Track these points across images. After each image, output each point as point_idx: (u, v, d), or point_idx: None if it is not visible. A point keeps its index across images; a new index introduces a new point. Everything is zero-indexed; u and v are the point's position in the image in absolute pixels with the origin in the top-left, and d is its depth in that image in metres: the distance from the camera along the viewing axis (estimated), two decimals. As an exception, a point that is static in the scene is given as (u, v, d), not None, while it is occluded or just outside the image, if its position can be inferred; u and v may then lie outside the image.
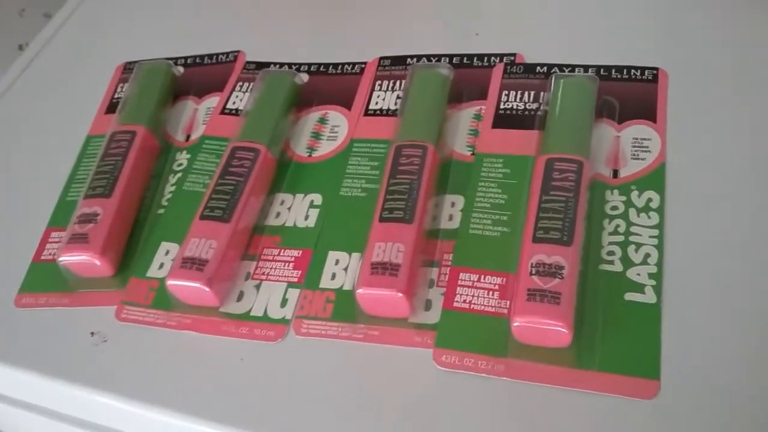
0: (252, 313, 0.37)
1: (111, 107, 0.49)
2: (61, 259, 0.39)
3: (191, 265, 0.37)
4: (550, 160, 0.36)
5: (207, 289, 0.36)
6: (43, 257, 0.42)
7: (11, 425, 0.51)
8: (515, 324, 0.32)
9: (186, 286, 0.37)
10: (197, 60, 0.51)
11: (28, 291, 0.41)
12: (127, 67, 0.52)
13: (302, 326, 0.36)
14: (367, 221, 0.38)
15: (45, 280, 0.41)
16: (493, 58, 0.45)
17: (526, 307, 0.31)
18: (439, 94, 0.42)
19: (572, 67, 0.43)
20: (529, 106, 0.41)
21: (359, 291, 0.34)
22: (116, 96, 0.50)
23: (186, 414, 0.35)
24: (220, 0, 0.56)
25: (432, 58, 0.46)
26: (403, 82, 0.45)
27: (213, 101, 0.48)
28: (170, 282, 0.37)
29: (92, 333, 0.38)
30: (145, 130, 0.44)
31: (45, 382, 0.38)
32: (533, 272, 0.32)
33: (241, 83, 0.48)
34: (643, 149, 0.38)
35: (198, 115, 0.47)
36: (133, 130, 0.44)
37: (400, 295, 0.34)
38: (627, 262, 0.34)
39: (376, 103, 0.45)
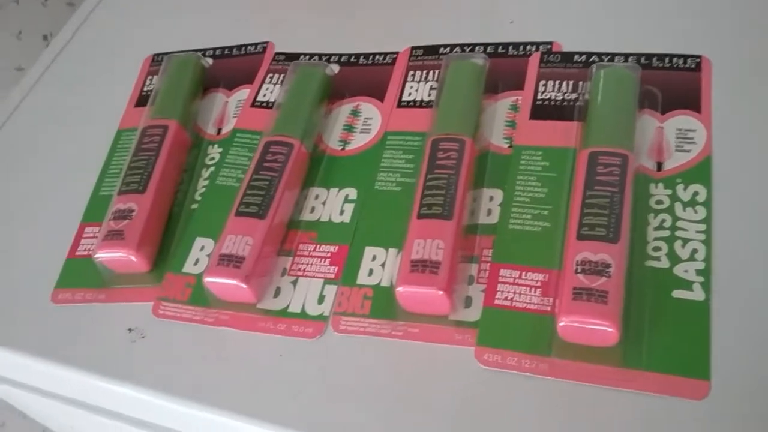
0: (289, 310, 0.37)
1: (141, 100, 0.49)
2: (97, 255, 0.39)
3: (228, 262, 0.36)
4: (593, 154, 0.35)
5: (244, 286, 0.36)
6: (78, 253, 0.42)
7: (48, 417, 0.52)
8: (561, 324, 0.31)
9: (223, 284, 0.36)
10: (225, 51, 0.50)
11: (65, 287, 0.41)
12: (155, 59, 0.51)
13: (341, 323, 0.36)
14: (403, 216, 0.37)
15: (81, 275, 0.41)
16: (528, 46, 0.44)
17: (572, 306, 0.31)
18: (474, 85, 0.41)
19: (611, 56, 0.41)
20: (568, 96, 0.40)
21: (399, 289, 0.34)
22: (145, 89, 0.50)
23: (226, 410, 0.35)
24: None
25: (465, 48, 0.45)
26: (436, 72, 0.44)
27: (243, 93, 0.47)
28: (207, 279, 0.36)
29: (130, 329, 0.38)
30: (176, 124, 0.44)
31: (84, 378, 0.38)
32: (579, 270, 0.31)
33: (271, 75, 0.48)
34: (688, 141, 0.37)
35: (229, 108, 0.47)
36: (164, 124, 0.43)
37: (441, 293, 0.33)
38: (674, 258, 0.34)
39: (410, 95, 0.44)
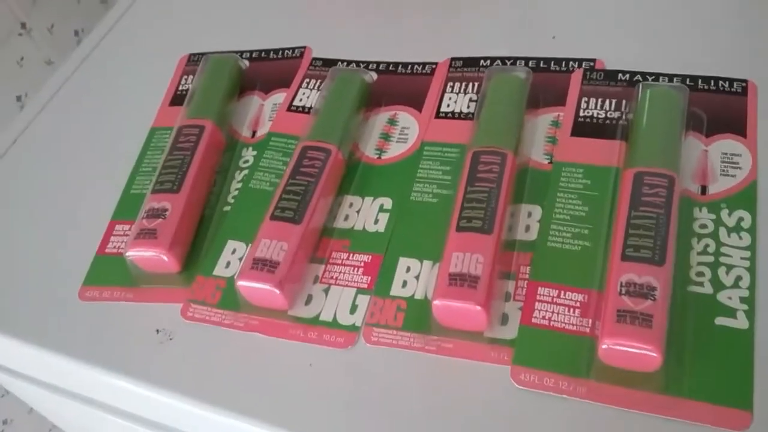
0: (321, 318, 0.36)
1: (175, 99, 0.49)
2: (128, 253, 0.39)
3: (262, 266, 0.36)
4: (639, 174, 0.34)
5: (278, 291, 0.35)
6: (107, 250, 0.42)
7: (59, 415, 0.51)
8: (604, 346, 0.30)
9: (256, 288, 0.36)
10: (262, 54, 0.50)
11: (93, 284, 0.41)
12: (192, 59, 0.51)
13: (373, 334, 0.35)
14: (439, 228, 0.37)
15: (109, 273, 0.41)
16: (571, 63, 0.43)
17: (616, 329, 0.30)
18: (517, 99, 0.40)
19: (656, 76, 0.41)
20: (611, 114, 0.40)
21: (436, 302, 0.33)
22: (180, 88, 0.49)
23: (253, 418, 0.34)
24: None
25: (506, 61, 0.44)
26: (476, 84, 0.44)
27: (279, 97, 0.47)
28: (240, 283, 0.36)
29: (158, 330, 0.38)
30: (212, 125, 0.43)
31: (108, 378, 0.37)
32: (623, 292, 0.31)
33: (308, 80, 0.47)
34: (733, 165, 0.37)
35: (264, 111, 0.47)
36: (201, 124, 0.43)
37: (479, 308, 0.33)
38: (717, 285, 0.33)
39: (448, 106, 0.43)
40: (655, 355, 0.29)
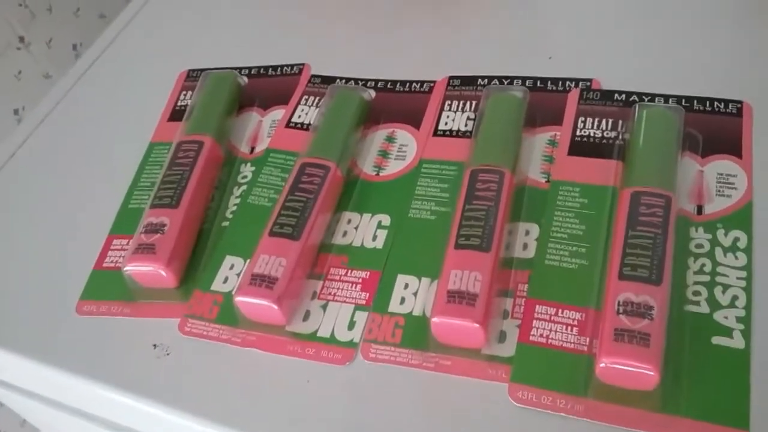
0: (319, 334, 0.36)
1: (174, 114, 0.49)
2: (126, 268, 0.39)
3: (261, 282, 0.36)
4: (636, 194, 0.35)
5: (276, 307, 0.36)
6: (104, 264, 0.42)
7: (55, 429, 0.51)
8: (601, 365, 0.30)
9: (255, 303, 0.36)
10: (261, 71, 0.50)
11: (90, 298, 0.41)
12: (191, 75, 0.52)
13: (371, 351, 0.35)
14: (437, 245, 0.37)
15: (106, 288, 0.41)
16: (568, 82, 0.44)
17: (613, 347, 0.30)
18: (514, 118, 0.41)
19: (652, 96, 0.41)
20: (607, 134, 0.40)
21: (435, 320, 0.34)
22: (179, 104, 0.50)
23: (250, 435, 0.34)
24: (283, 11, 0.55)
25: (504, 80, 0.45)
26: (473, 102, 0.44)
27: (278, 114, 0.47)
28: (239, 298, 0.36)
29: (155, 345, 0.38)
30: (211, 140, 0.44)
31: (105, 393, 0.37)
32: (620, 311, 0.31)
33: (306, 97, 0.48)
34: (729, 186, 0.37)
35: (263, 127, 0.47)
36: (200, 140, 0.43)
37: (477, 326, 0.33)
38: (714, 304, 0.33)
39: (446, 124, 0.44)
40: (652, 373, 0.30)
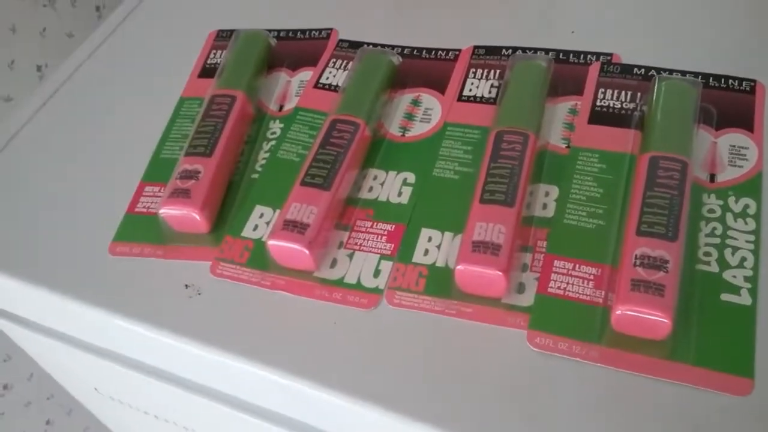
0: (346, 280, 0.38)
1: (204, 71, 0.50)
2: (161, 211, 0.40)
3: (293, 227, 0.38)
4: (654, 158, 0.37)
5: (307, 252, 0.37)
6: (137, 209, 0.43)
7: (100, 376, 0.53)
8: (617, 312, 0.32)
9: (286, 247, 0.38)
10: (290, 34, 0.52)
11: (123, 240, 0.42)
12: (220, 35, 0.53)
13: (395, 297, 0.37)
14: (460, 202, 0.39)
15: (139, 231, 0.42)
16: (589, 56, 0.45)
17: (630, 296, 0.32)
18: (538, 85, 0.43)
19: (670, 71, 0.43)
20: (626, 105, 0.42)
21: (459, 267, 0.35)
22: (209, 61, 0.51)
23: (279, 369, 0.36)
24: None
25: (527, 51, 0.46)
26: (497, 71, 0.46)
27: (306, 75, 0.49)
28: (271, 242, 0.38)
29: (186, 285, 0.39)
30: (243, 96, 0.45)
31: (139, 329, 0.39)
32: (637, 264, 0.33)
33: (334, 60, 0.49)
34: (741, 157, 0.39)
35: (291, 87, 0.48)
36: (232, 94, 0.45)
37: (501, 274, 0.35)
38: (723, 264, 0.35)
39: (470, 90, 0.45)
40: (666, 321, 0.32)
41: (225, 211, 0.42)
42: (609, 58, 0.45)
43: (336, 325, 0.37)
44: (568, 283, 0.36)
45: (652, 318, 0.32)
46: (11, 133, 0.50)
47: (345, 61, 0.49)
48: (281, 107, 0.47)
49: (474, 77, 0.46)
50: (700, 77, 0.43)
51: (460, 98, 0.45)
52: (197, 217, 0.40)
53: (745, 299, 0.34)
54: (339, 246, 0.40)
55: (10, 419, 0.83)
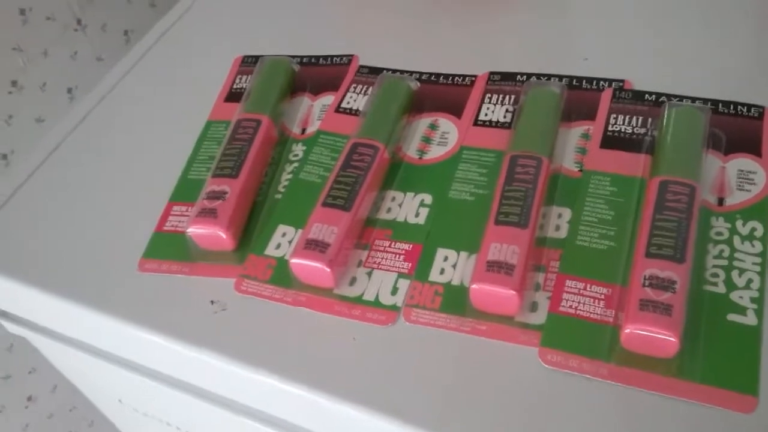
0: (364, 298, 0.40)
1: (230, 96, 0.53)
2: (189, 230, 0.42)
3: (314, 246, 0.39)
4: (663, 182, 0.38)
5: (328, 270, 0.39)
6: (165, 228, 0.45)
7: (125, 388, 0.55)
8: (626, 331, 0.34)
9: (308, 266, 0.39)
10: (312, 60, 0.54)
11: (151, 257, 0.44)
12: (246, 60, 0.55)
13: (412, 314, 0.39)
14: (475, 223, 0.40)
15: (167, 248, 0.44)
16: (602, 82, 0.47)
17: (638, 315, 0.33)
18: (552, 111, 0.44)
19: (680, 98, 0.45)
20: (637, 130, 0.43)
21: (474, 286, 0.37)
22: (235, 86, 0.53)
23: (297, 382, 0.37)
24: (332, 6, 0.59)
25: (541, 77, 0.48)
26: (512, 96, 0.47)
27: (327, 99, 0.51)
28: (294, 260, 0.39)
29: (212, 301, 0.41)
30: (268, 119, 0.47)
31: (165, 343, 0.41)
32: (646, 284, 0.34)
33: (355, 85, 0.51)
34: (749, 181, 0.40)
35: (314, 111, 0.50)
36: (258, 118, 0.47)
37: (514, 293, 0.36)
38: (730, 285, 0.36)
39: (486, 115, 0.47)
40: (673, 339, 0.33)
41: (249, 230, 0.44)
42: (621, 84, 0.47)
43: (355, 341, 0.38)
44: (579, 303, 0.37)
45: (660, 337, 0.33)
46: (47, 152, 0.52)
47: (365, 86, 0.51)
48: (304, 130, 0.49)
49: (489, 102, 0.48)
50: (709, 103, 0.44)
51: (476, 122, 0.47)
52: (223, 235, 0.42)
53: (751, 319, 0.35)
54: (358, 264, 0.41)
55: (34, 430, 0.85)
